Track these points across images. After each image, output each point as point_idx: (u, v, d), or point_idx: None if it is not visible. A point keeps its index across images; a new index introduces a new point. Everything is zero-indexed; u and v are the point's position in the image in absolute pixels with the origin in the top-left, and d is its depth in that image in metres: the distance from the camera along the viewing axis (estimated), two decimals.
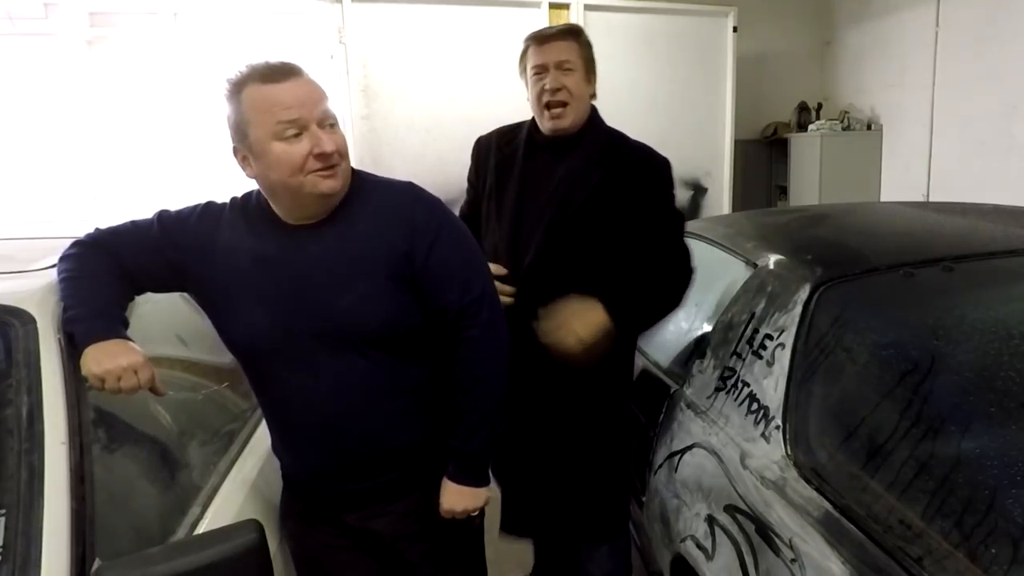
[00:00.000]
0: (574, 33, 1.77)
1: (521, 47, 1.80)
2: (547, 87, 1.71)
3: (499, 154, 1.85)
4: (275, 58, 1.24)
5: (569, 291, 1.65)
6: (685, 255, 1.76)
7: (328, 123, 1.23)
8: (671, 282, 1.72)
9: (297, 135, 1.19)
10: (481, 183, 1.89)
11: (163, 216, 1.35)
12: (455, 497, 1.38)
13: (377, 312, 1.27)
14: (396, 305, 1.28)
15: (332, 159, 1.22)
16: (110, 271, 1.28)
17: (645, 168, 1.76)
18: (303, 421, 1.35)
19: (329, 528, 1.43)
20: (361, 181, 1.35)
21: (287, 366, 1.30)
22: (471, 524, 1.45)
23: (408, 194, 1.36)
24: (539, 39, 1.75)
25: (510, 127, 1.90)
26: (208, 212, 1.36)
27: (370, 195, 1.33)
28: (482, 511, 1.45)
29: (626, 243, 1.70)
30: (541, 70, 1.73)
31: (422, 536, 1.42)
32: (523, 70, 1.80)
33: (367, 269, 1.27)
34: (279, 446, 1.45)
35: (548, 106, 1.72)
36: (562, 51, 1.72)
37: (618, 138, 1.83)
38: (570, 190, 1.71)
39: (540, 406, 1.77)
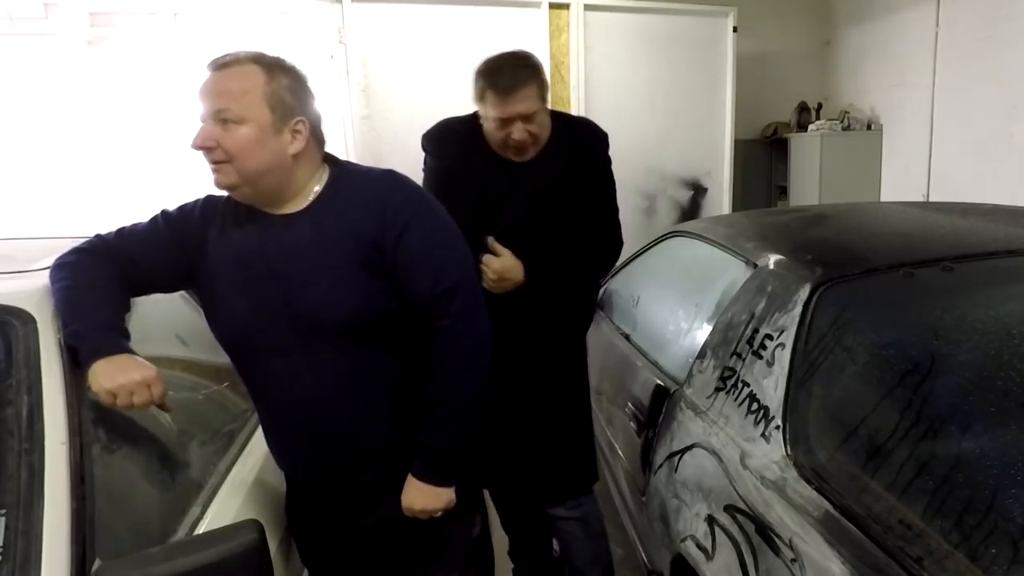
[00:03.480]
0: (532, 71, 1.72)
1: (476, 83, 1.74)
2: (516, 139, 1.73)
3: (483, 159, 1.83)
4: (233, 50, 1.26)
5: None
6: (615, 228, 1.94)
7: (221, 118, 1.21)
8: (596, 251, 1.90)
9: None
10: (452, 173, 1.86)
11: (167, 214, 1.37)
12: (415, 494, 1.35)
13: (345, 301, 1.26)
14: (366, 294, 1.28)
15: (210, 155, 1.23)
16: (109, 278, 1.28)
17: (591, 141, 1.88)
18: (283, 414, 1.36)
19: (323, 523, 1.44)
20: (341, 171, 1.36)
21: (266, 357, 1.32)
22: (470, 533, 1.42)
23: (383, 181, 1.35)
24: (501, 90, 1.69)
25: (461, 127, 1.86)
26: (207, 205, 1.38)
27: (348, 184, 1.34)
28: (483, 518, 1.43)
29: (578, 211, 1.84)
30: (505, 123, 1.72)
31: (411, 535, 1.41)
32: (479, 102, 1.76)
33: (339, 257, 1.27)
34: (270, 443, 1.47)
35: (514, 147, 1.75)
36: (525, 101, 1.69)
37: (567, 122, 1.92)
38: (537, 180, 1.81)
39: (506, 378, 1.77)
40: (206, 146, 1.22)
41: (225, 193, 1.36)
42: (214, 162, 1.23)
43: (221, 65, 1.24)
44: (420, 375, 1.36)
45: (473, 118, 1.84)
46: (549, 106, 1.86)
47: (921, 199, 4.68)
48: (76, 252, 1.31)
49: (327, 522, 1.45)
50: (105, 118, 4.26)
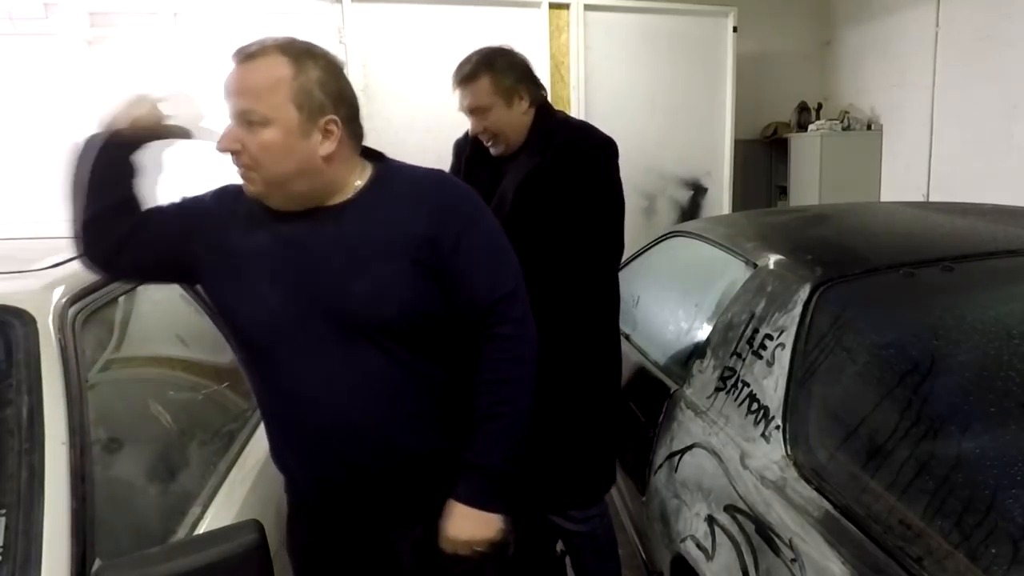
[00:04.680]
0: (487, 66, 1.74)
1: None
2: (472, 132, 1.79)
3: (472, 151, 1.90)
4: (260, 38, 1.16)
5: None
6: (592, 246, 1.80)
7: (247, 120, 1.11)
8: (559, 271, 1.77)
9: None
10: (457, 168, 1.96)
11: (181, 200, 1.30)
12: (462, 522, 1.21)
13: (394, 298, 1.16)
14: (415, 292, 1.18)
15: (237, 159, 1.14)
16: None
17: (573, 148, 1.79)
18: (312, 421, 1.21)
19: (341, 554, 1.32)
20: (387, 167, 1.27)
21: (296, 355, 1.19)
22: (505, 553, 1.29)
23: (437, 179, 1.29)
24: (457, 81, 1.77)
25: None
26: (227, 193, 1.28)
27: (396, 180, 1.25)
28: (512, 541, 1.31)
29: (560, 223, 1.76)
30: (465, 112, 1.79)
31: (446, 565, 1.27)
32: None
33: (387, 253, 1.17)
34: (283, 454, 1.32)
35: (485, 140, 1.80)
36: (474, 96, 1.74)
37: (560, 126, 1.87)
38: (510, 179, 1.79)
39: None
40: (231, 149, 1.13)
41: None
42: (242, 167, 1.15)
43: (246, 56, 1.12)
44: (460, 385, 1.26)
45: None
46: (552, 106, 1.87)
47: (921, 199, 4.67)
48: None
49: (346, 547, 1.32)
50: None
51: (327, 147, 1.16)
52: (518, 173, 1.78)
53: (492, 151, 1.83)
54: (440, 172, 1.31)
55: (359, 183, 1.23)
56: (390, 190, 1.23)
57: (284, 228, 1.20)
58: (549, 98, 1.88)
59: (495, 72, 1.74)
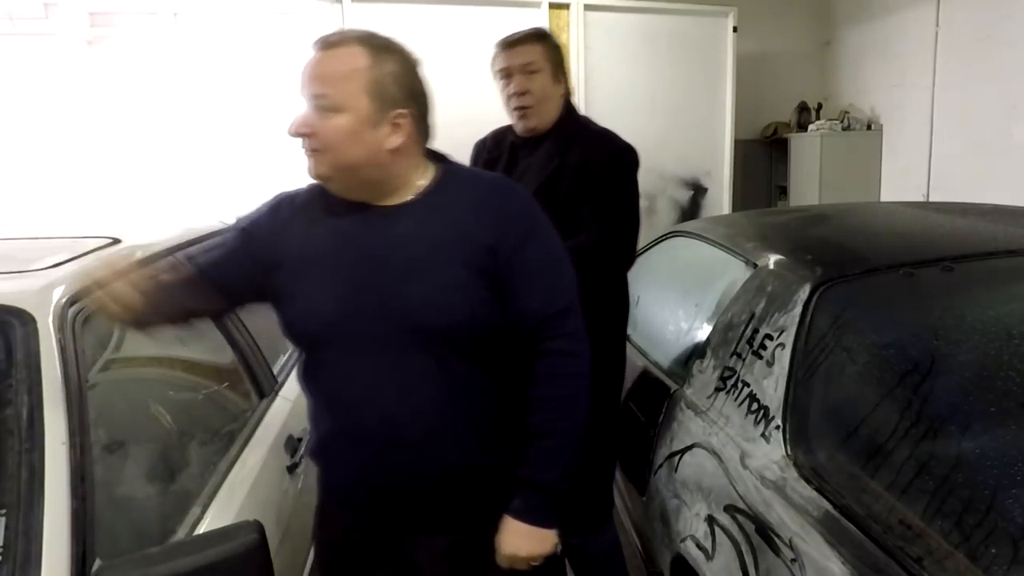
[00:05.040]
0: (540, 36, 1.83)
1: (492, 52, 1.85)
2: (513, 91, 1.79)
3: (488, 155, 1.93)
4: (344, 28, 1.21)
5: None
6: (614, 249, 1.84)
7: (319, 105, 1.13)
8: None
9: None
10: (477, 159, 1.99)
11: (239, 221, 1.32)
12: (518, 539, 1.20)
13: (452, 305, 1.16)
14: (474, 300, 1.17)
15: (306, 142, 1.15)
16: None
17: (594, 154, 1.81)
18: (358, 421, 1.21)
19: (365, 553, 1.31)
20: (450, 169, 1.27)
21: (350, 356, 1.19)
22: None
23: (501, 186, 1.29)
24: (506, 44, 1.81)
25: (503, 128, 1.94)
26: (281, 202, 1.30)
27: (459, 184, 1.24)
28: (557, 564, 1.28)
29: (575, 227, 1.74)
30: (506, 74, 1.80)
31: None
32: (494, 75, 1.85)
33: (447, 258, 1.17)
34: (324, 450, 1.31)
35: (516, 108, 1.80)
36: (527, 54, 1.78)
37: (583, 127, 1.89)
38: (527, 180, 1.78)
39: None
40: (302, 133, 1.14)
41: (297, 188, 1.30)
42: (310, 150, 1.16)
43: (326, 45, 1.15)
44: (511, 400, 1.24)
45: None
46: (575, 107, 1.91)
47: (921, 199, 4.68)
48: None
49: (370, 547, 1.31)
50: (105, 118, 4.26)
51: (394, 140, 1.17)
52: (539, 173, 1.78)
53: (520, 125, 1.81)
54: (504, 178, 1.32)
55: (422, 183, 1.23)
56: (453, 193, 1.22)
57: (343, 227, 1.21)
58: (561, 77, 1.90)
59: (547, 44, 1.82)
